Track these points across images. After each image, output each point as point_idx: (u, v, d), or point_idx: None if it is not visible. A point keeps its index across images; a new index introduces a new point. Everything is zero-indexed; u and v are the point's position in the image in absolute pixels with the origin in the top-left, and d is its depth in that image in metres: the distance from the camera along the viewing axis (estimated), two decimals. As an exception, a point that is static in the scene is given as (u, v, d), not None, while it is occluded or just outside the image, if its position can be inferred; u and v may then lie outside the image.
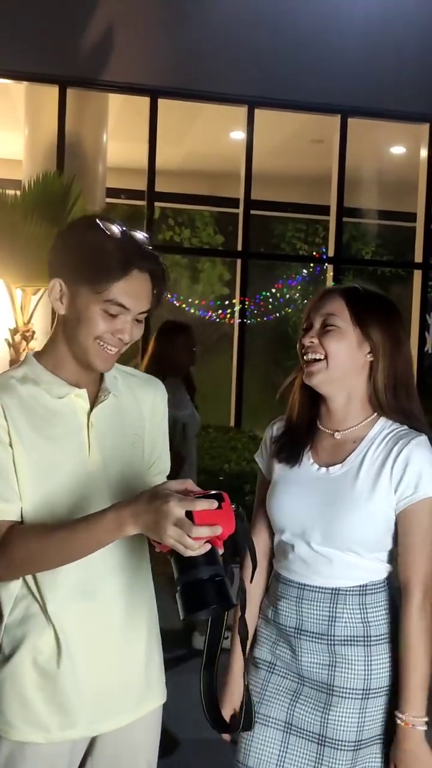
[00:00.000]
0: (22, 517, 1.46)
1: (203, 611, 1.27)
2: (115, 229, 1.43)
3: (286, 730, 1.63)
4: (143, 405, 1.61)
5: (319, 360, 1.60)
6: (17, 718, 1.48)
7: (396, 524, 1.60)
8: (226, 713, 1.67)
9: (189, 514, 1.23)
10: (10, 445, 1.44)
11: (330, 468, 1.64)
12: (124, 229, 1.45)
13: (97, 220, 1.45)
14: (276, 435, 1.76)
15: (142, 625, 1.57)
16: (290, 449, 1.69)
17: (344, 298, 1.62)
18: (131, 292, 1.42)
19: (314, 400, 1.70)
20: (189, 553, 1.24)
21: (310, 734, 1.61)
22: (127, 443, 1.56)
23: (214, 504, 1.25)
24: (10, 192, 5.24)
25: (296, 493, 1.66)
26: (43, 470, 1.46)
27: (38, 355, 1.54)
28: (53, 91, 6.79)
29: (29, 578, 1.47)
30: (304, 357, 1.63)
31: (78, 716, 1.49)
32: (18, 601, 1.49)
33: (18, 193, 5.33)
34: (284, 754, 1.62)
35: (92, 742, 1.58)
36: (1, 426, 1.44)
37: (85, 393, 1.51)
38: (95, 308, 1.42)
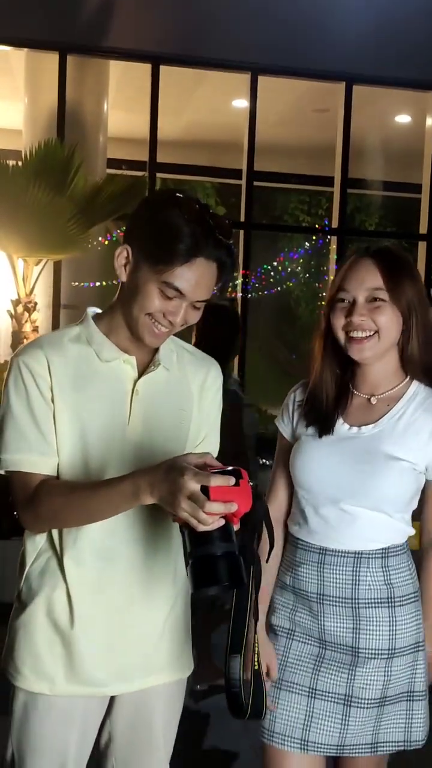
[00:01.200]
0: (59, 472, 1.47)
1: (213, 587, 1.25)
2: (194, 212, 1.40)
3: (310, 695, 1.64)
4: (193, 383, 1.60)
5: (370, 336, 1.58)
6: (27, 667, 1.51)
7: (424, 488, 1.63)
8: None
9: (204, 489, 1.21)
10: (52, 401, 1.45)
11: (362, 428, 1.63)
12: (205, 213, 1.41)
13: (180, 198, 1.42)
14: (301, 399, 1.74)
15: (164, 597, 1.56)
16: (321, 418, 1.66)
17: (381, 268, 1.58)
18: (191, 279, 1.40)
19: (344, 366, 1.67)
20: (202, 528, 1.22)
21: (336, 696, 1.62)
22: (173, 417, 1.55)
23: (231, 480, 1.23)
24: (11, 162, 5.16)
25: (325, 452, 1.64)
26: (80, 428, 1.47)
27: (97, 317, 1.55)
28: (53, 59, 6.69)
29: (54, 533, 1.50)
30: (351, 334, 1.59)
31: (86, 674, 1.50)
32: (40, 554, 1.52)
33: (19, 162, 5.26)
34: (310, 718, 1.63)
35: (111, 704, 1.59)
36: (45, 381, 1.46)
37: (134, 360, 1.51)
38: (152, 285, 1.41)
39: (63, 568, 1.48)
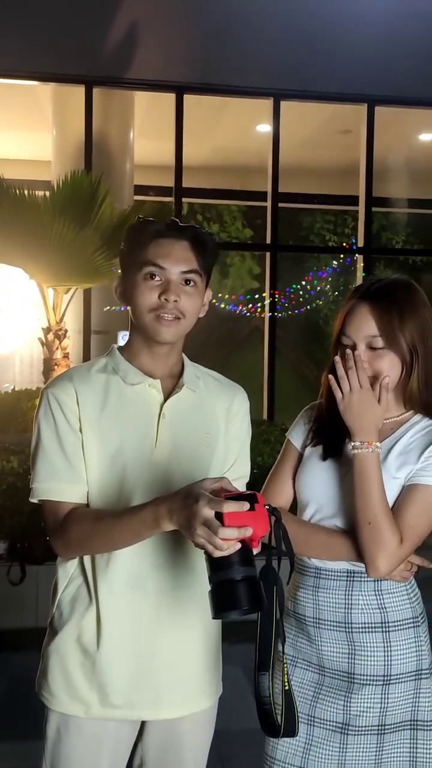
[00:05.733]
0: (90, 497, 1.52)
1: (233, 612, 1.25)
2: (155, 219, 1.58)
3: (309, 722, 1.64)
4: (218, 408, 1.64)
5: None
6: (60, 690, 1.55)
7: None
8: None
9: (219, 515, 1.22)
10: (80, 430, 1.51)
11: None
12: (167, 220, 1.57)
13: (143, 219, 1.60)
14: (315, 417, 1.76)
15: (194, 624, 1.58)
16: (329, 443, 1.69)
17: (376, 314, 1.59)
18: (162, 252, 1.52)
19: None
20: (218, 553, 1.24)
21: (333, 724, 1.61)
22: (199, 440, 1.59)
23: (245, 506, 1.24)
24: (39, 193, 5.29)
25: (324, 469, 1.67)
26: (108, 454, 1.52)
27: (120, 348, 1.64)
28: (79, 91, 6.85)
29: (86, 561, 1.54)
30: None
31: (117, 698, 1.53)
32: (71, 581, 1.57)
33: (47, 193, 5.38)
34: (309, 746, 1.63)
35: (142, 728, 1.62)
36: (73, 412, 1.52)
37: (158, 383, 1.57)
38: (138, 276, 1.53)
39: (96, 594, 1.52)
